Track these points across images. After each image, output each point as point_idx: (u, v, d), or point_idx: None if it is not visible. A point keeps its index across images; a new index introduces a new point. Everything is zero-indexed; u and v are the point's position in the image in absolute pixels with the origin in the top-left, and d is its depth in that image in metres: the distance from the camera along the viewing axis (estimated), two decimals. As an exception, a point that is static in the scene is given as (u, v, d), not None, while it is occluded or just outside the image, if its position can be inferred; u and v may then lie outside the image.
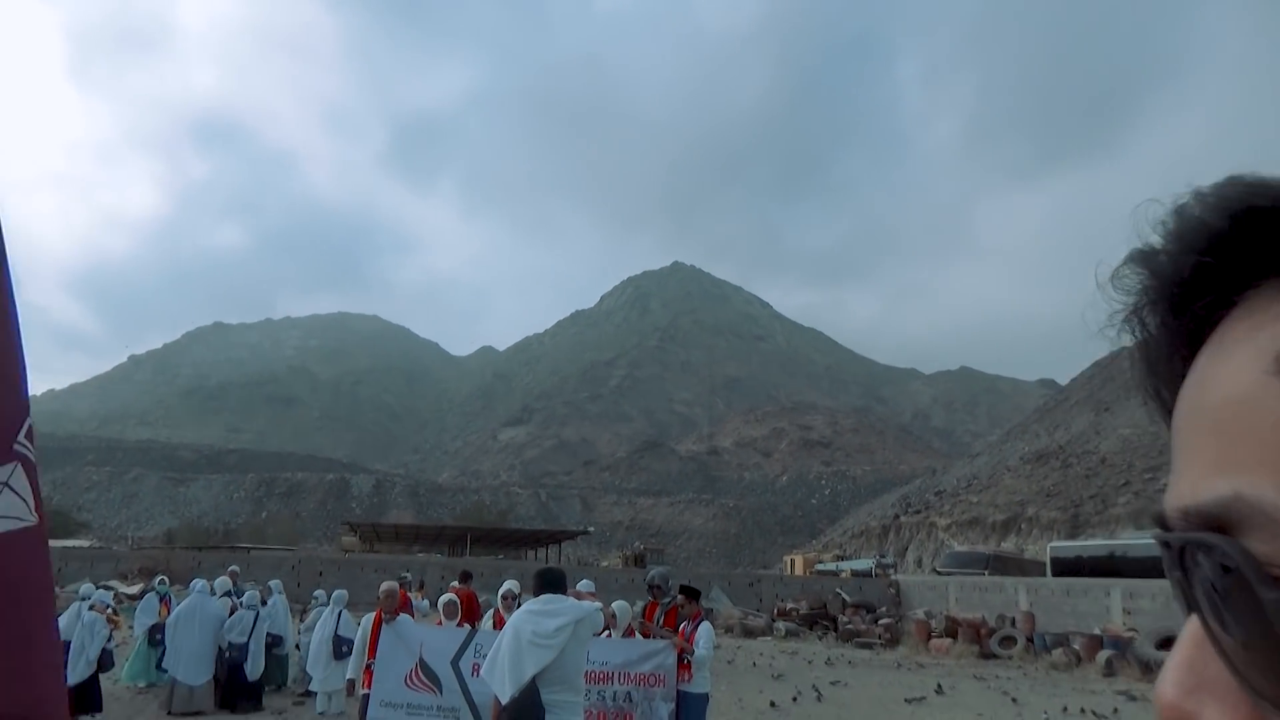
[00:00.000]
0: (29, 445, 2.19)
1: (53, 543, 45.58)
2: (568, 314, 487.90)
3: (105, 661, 12.47)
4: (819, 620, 31.15)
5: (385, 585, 9.52)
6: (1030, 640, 22.66)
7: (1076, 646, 21.20)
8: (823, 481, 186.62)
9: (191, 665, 12.48)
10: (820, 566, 53.75)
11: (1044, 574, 32.90)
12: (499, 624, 9.67)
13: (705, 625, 9.09)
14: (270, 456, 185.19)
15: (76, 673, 12.07)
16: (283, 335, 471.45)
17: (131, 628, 16.10)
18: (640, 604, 10.51)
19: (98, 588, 14.33)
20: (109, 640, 12.64)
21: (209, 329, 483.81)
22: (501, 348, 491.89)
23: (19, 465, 2.13)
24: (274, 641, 13.78)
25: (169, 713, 12.32)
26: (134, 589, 29.49)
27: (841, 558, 62.86)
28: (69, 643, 12.55)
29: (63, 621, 12.70)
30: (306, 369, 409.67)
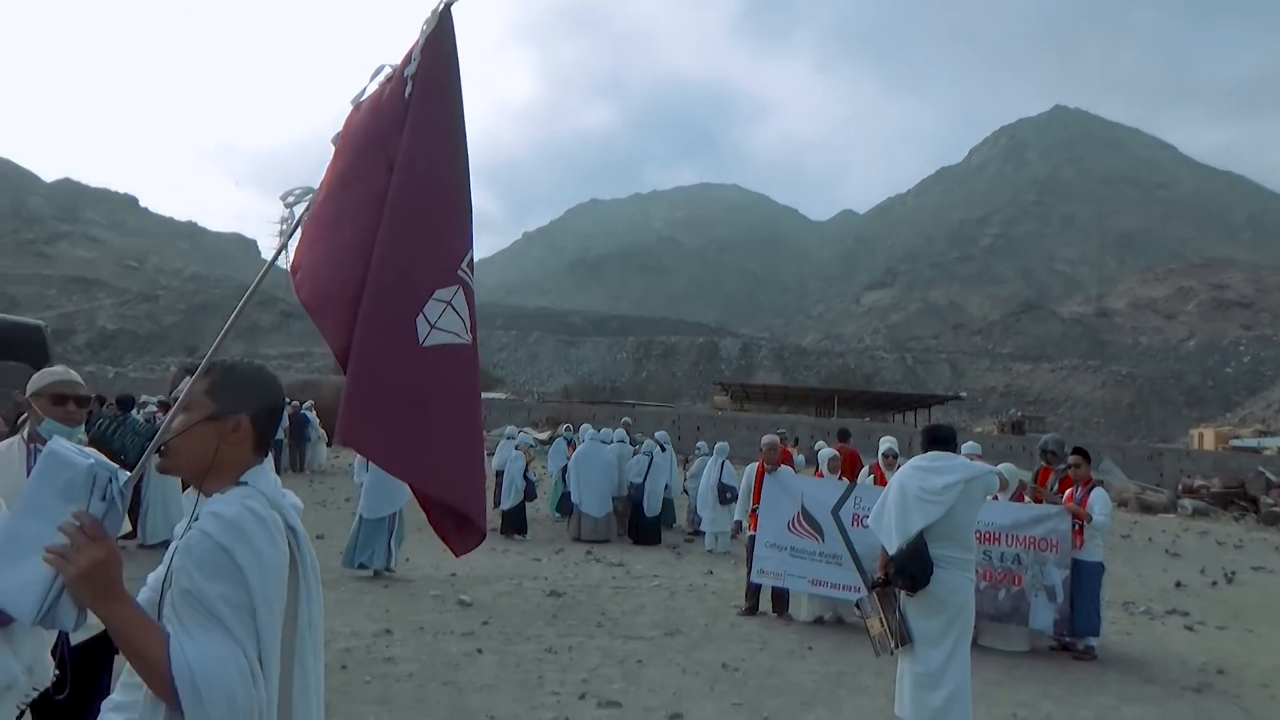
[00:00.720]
0: (469, 273, 2.41)
1: (478, 395, 53.92)
2: (932, 171, 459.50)
3: (530, 493, 14.49)
4: (1234, 500, 27.66)
5: (767, 439, 9.93)
6: None
7: None
8: (1241, 347, 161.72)
9: (592, 500, 14.15)
10: (1237, 443, 47.27)
11: None
12: (879, 480, 9.73)
13: (1099, 491, 8.45)
14: (646, 321, 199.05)
15: (509, 500, 14.18)
16: (651, 208, 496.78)
17: (545, 467, 18.54)
18: (1032, 470, 9.99)
19: (519, 431, 16.51)
20: (531, 475, 14.67)
21: (586, 205, 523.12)
22: (862, 211, 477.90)
23: (460, 290, 2.36)
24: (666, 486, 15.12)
25: (577, 539, 14.12)
26: (544, 435, 33.76)
27: (1265, 433, 54.71)
28: (501, 474, 14.78)
29: (495, 458, 14.94)
30: (674, 239, 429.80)
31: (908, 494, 5.60)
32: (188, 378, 1.89)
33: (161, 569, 1.79)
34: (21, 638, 2.70)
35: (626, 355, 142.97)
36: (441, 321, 2.29)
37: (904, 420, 64.43)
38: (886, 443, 10.31)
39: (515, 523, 14.09)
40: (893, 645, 5.58)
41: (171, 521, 10.56)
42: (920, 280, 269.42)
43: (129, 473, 1.82)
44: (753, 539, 9.32)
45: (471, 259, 2.44)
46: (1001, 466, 8.59)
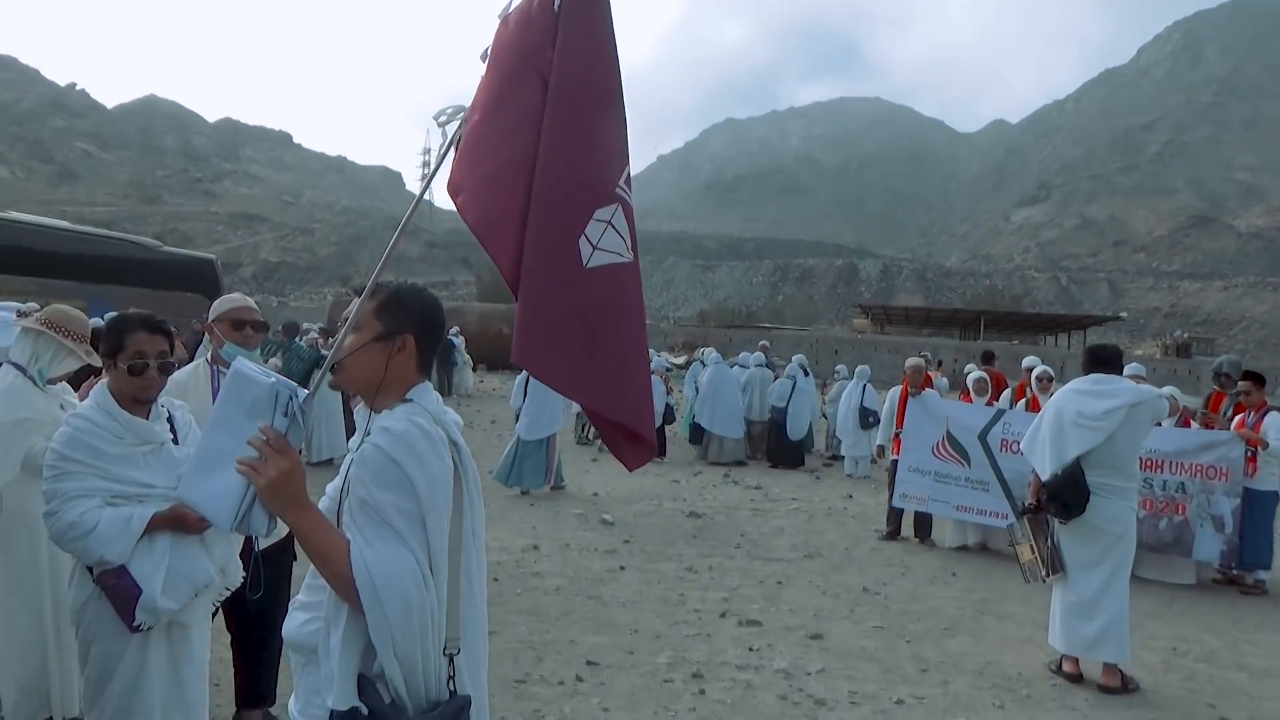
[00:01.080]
0: (627, 190, 2.40)
1: (615, 320, 54.21)
2: (1095, 75, 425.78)
3: (668, 416, 14.69)
4: None
5: (911, 361, 9.68)
6: None
7: None
8: None
9: (723, 422, 14.27)
10: None
11: None
12: (1033, 406, 9.35)
13: (1275, 416, 7.85)
14: (783, 244, 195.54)
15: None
16: (788, 126, 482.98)
17: (682, 390, 18.71)
18: (1200, 397, 9.36)
19: (656, 355, 16.69)
20: (670, 399, 14.85)
21: (721, 125, 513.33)
22: (1014, 120, 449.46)
23: (619, 207, 2.35)
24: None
25: (709, 462, 14.29)
26: (679, 359, 34.03)
27: None
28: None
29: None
30: (811, 157, 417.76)
31: (1064, 419, 5.35)
32: (356, 299, 1.99)
33: (339, 479, 1.92)
34: (214, 542, 2.97)
35: (762, 279, 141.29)
36: (603, 242, 2.30)
37: (1056, 343, 61.36)
38: (1033, 363, 9.86)
39: (657, 444, 14.33)
40: (1043, 573, 5.42)
41: (334, 440, 11.30)
42: (1078, 194, 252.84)
43: (309, 392, 1.94)
44: (895, 464, 9.18)
45: (629, 174, 2.42)
46: (1165, 389, 8.08)
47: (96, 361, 3.65)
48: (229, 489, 1.82)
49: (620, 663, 5.24)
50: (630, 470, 2.53)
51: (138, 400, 2.96)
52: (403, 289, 2.02)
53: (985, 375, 9.57)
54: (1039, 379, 9.38)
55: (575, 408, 11.39)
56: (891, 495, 9.14)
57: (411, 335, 1.95)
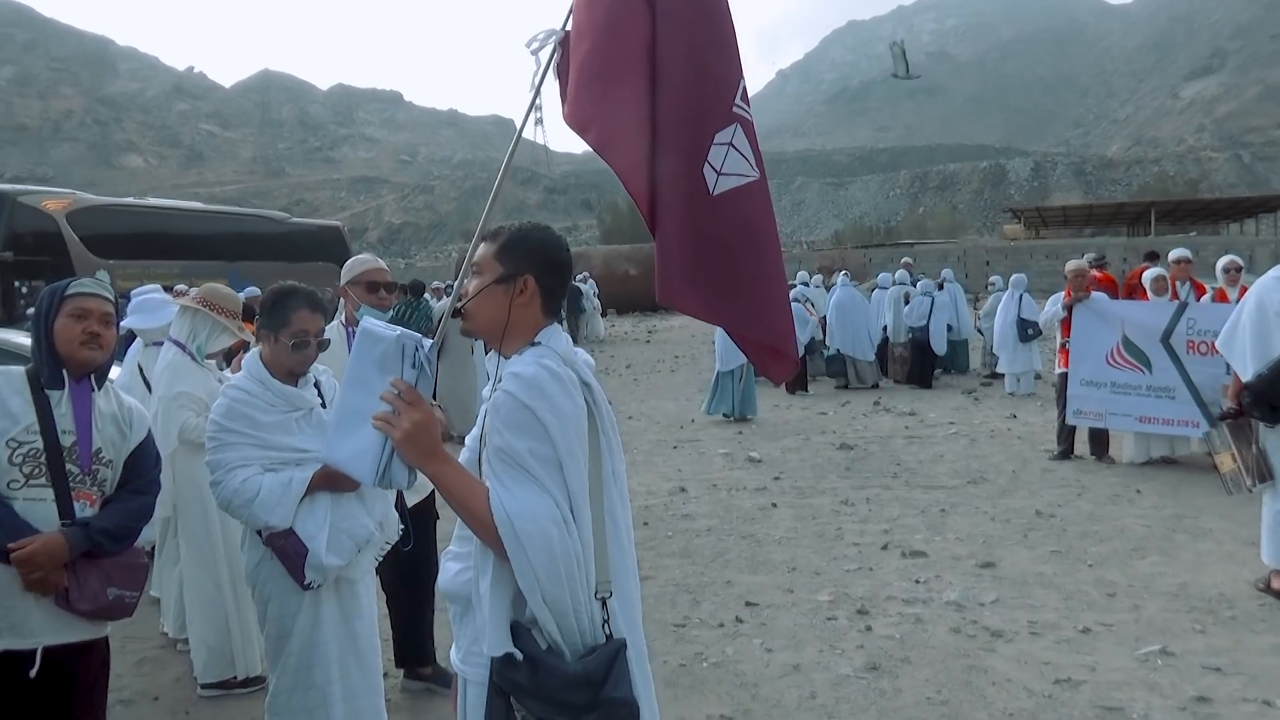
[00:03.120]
0: (745, 106, 2.40)
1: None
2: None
3: (811, 347, 14.53)
4: None
5: (1072, 264, 9.19)
6: None
7: None
8: None
9: (855, 344, 14.15)
10: None
11: None
12: (1220, 298, 8.71)
13: None
14: (919, 151, 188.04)
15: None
16: (916, 21, 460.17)
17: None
18: None
19: (791, 284, 16.40)
20: (814, 330, 14.71)
21: (843, 30, 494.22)
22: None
23: (738, 126, 2.35)
24: (949, 328, 14.65)
25: (843, 387, 14.17)
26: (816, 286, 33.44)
27: None
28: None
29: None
30: (945, 53, 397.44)
31: (1268, 310, 4.96)
32: (484, 244, 2.02)
33: (476, 429, 1.97)
34: (370, 498, 3.15)
35: (900, 191, 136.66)
36: (726, 165, 2.32)
37: (1242, 230, 56.85)
38: (1225, 256, 9.14)
39: (796, 378, 14.20)
40: (1249, 483, 5.10)
41: (460, 396, 11.61)
42: (1258, 58, 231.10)
43: (433, 340, 1.99)
44: (1064, 377, 8.76)
45: (744, 90, 2.42)
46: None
47: (249, 338, 3.89)
48: (368, 445, 1.89)
49: (780, 602, 5.27)
50: (776, 383, 2.59)
51: (294, 374, 3.15)
52: (522, 228, 2.03)
53: (1164, 273, 8.96)
54: (1226, 270, 8.71)
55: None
56: (1062, 412, 8.75)
57: (532, 275, 1.96)
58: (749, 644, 4.68)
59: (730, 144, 2.34)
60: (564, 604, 1.78)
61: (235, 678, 4.21)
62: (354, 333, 3.95)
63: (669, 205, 2.27)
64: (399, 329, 1.93)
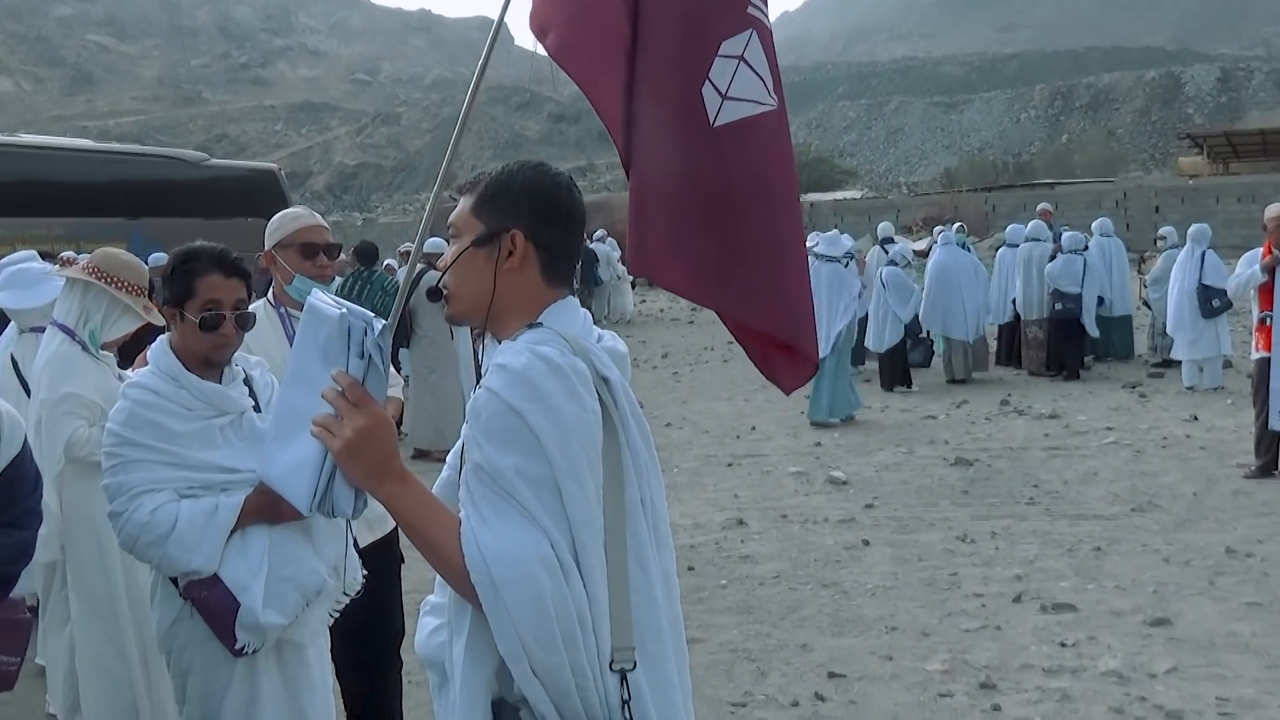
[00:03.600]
0: (763, 7, 2.33)
1: (820, 196, 52.54)
2: None
3: (911, 327, 14.46)
4: None
5: (1274, 209, 9.08)
6: None
7: None
8: None
9: (951, 321, 14.02)
10: None
11: None
12: None
13: None
14: (1062, 58, 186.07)
15: (884, 338, 14.17)
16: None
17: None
18: None
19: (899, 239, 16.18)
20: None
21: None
22: None
23: (754, 32, 2.28)
24: (1101, 300, 14.52)
25: (952, 381, 14.33)
26: (921, 244, 33.16)
27: None
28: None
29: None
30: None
31: None
32: (463, 198, 2.00)
33: (459, 442, 1.97)
34: (322, 536, 3.17)
35: (1035, 113, 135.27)
36: (735, 88, 2.25)
37: None
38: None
39: (894, 371, 14.15)
40: None
41: (434, 399, 11.69)
42: None
43: (386, 321, 1.92)
44: (1263, 364, 8.70)
45: None
46: None
47: (159, 320, 3.88)
48: (305, 459, 1.85)
49: (875, 672, 5.28)
50: (786, 393, 2.50)
51: (210, 362, 3.15)
52: (506, 168, 2.01)
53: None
54: None
55: None
56: (1263, 414, 8.70)
57: (519, 229, 1.92)
58: (833, 730, 4.70)
59: (741, 57, 2.26)
60: (562, 678, 1.72)
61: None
62: (285, 314, 3.94)
63: (653, 139, 2.20)
64: (345, 305, 1.89)
